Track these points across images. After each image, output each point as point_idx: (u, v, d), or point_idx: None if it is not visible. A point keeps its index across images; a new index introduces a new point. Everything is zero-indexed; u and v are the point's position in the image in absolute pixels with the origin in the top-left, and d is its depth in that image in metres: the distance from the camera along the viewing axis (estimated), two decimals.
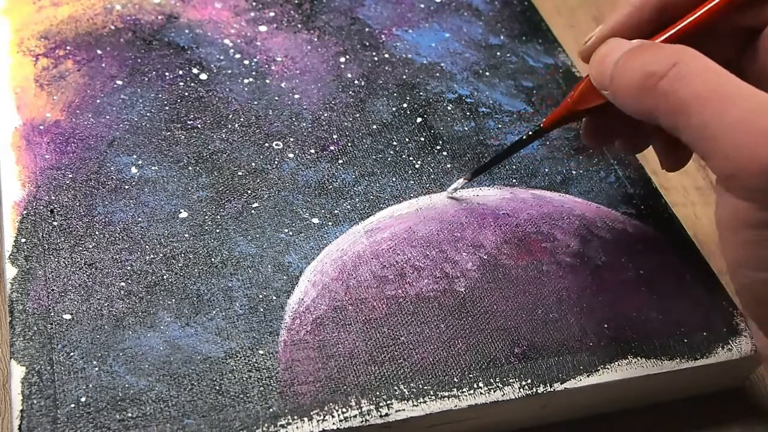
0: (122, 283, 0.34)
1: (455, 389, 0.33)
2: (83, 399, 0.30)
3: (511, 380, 0.33)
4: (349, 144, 0.41)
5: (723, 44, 0.34)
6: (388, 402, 0.32)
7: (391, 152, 0.41)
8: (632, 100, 0.31)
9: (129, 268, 0.34)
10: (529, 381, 0.33)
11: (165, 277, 0.34)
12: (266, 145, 0.40)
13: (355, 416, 0.31)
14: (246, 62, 0.43)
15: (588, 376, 0.34)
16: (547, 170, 0.41)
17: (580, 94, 0.34)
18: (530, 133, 0.37)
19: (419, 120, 0.42)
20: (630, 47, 0.32)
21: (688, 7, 0.33)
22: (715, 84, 0.29)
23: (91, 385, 0.31)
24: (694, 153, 0.30)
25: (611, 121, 0.37)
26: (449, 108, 0.43)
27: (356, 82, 0.44)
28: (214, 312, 0.34)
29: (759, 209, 0.28)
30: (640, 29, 0.34)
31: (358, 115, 0.42)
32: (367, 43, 0.46)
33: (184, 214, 0.36)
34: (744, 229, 0.29)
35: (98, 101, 0.40)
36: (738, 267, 0.30)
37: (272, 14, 0.46)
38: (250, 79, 0.43)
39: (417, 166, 0.40)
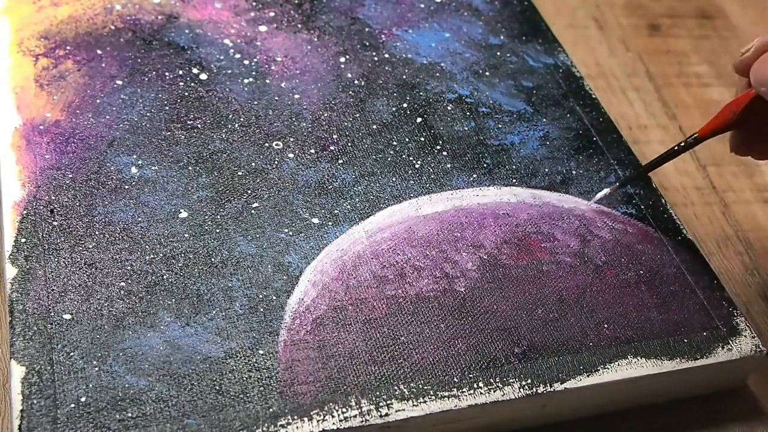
0: (122, 283, 0.34)
1: (455, 389, 0.33)
2: (83, 399, 0.30)
3: (511, 380, 0.33)
4: (349, 144, 0.41)
5: None
6: (388, 402, 0.32)
7: (391, 152, 0.41)
8: None
9: (129, 268, 0.34)
10: (529, 381, 0.33)
11: (165, 277, 0.34)
12: (266, 145, 0.40)
13: (355, 416, 0.31)
14: (246, 62, 0.43)
15: (588, 376, 0.34)
16: (547, 170, 0.41)
17: (744, 106, 0.36)
18: (682, 144, 0.38)
19: (419, 120, 0.42)
20: None
21: None
22: None
23: (91, 385, 0.31)
24: None
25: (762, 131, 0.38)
26: (449, 108, 0.43)
27: (356, 82, 0.44)
28: (214, 312, 0.34)
29: None
30: None
31: (358, 115, 0.42)
32: (367, 43, 0.46)
33: (184, 214, 0.36)
34: None
35: (98, 101, 0.40)
36: None
37: (272, 14, 0.46)
38: (250, 79, 0.43)
39: (417, 166, 0.40)
